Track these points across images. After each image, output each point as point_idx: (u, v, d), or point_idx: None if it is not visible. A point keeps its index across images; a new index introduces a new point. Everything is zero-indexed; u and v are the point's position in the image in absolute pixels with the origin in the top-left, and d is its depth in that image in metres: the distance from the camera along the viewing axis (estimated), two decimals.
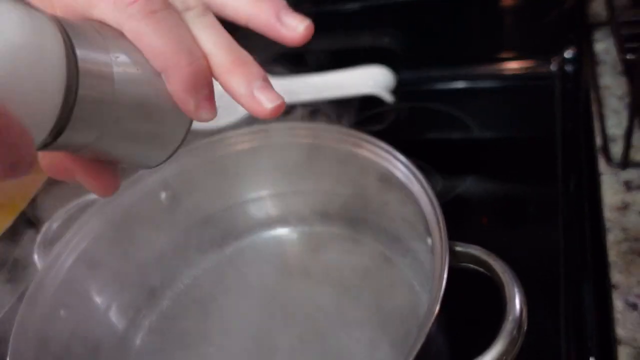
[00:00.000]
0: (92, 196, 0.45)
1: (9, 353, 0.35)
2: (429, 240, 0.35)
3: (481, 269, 0.32)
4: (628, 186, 0.43)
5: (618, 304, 0.36)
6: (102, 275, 0.43)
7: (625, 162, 0.44)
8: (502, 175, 0.56)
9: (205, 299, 0.46)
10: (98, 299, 0.43)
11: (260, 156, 0.46)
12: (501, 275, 0.30)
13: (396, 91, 0.69)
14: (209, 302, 0.46)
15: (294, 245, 0.49)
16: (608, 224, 0.41)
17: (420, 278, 0.42)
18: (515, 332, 0.28)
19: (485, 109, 0.64)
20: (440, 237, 0.32)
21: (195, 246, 0.48)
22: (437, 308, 0.29)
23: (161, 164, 0.25)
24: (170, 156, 0.25)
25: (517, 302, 0.28)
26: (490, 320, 0.34)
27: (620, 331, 0.34)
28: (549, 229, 0.47)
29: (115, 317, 0.44)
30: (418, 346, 0.28)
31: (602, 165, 0.46)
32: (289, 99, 0.68)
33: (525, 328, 0.28)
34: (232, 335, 0.43)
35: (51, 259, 0.41)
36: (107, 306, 0.43)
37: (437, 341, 0.32)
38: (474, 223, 0.52)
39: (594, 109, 0.53)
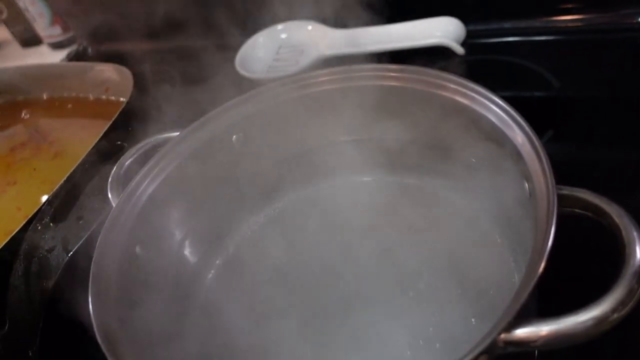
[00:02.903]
0: (165, 135, 0.45)
1: (90, 292, 0.34)
2: (526, 186, 0.33)
3: (590, 214, 0.29)
4: None
5: None
6: (175, 212, 0.42)
7: None
8: (582, 137, 0.52)
9: (276, 241, 0.45)
10: (171, 236, 0.42)
11: (338, 99, 0.44)
12: (617, 219, 0.27)
13: (465, 43, 0.66)
14: (279, 245, 0.45)
15: (369, 194, 0.47)
16: None
17: (504, 230, 0.40)
18: (635, 281, 0.25)
19: (566, 64, 0.60)
20: (546, 179, 0.30)
21: (268, 189, 0.47)
22: (546, 255, 0.27)
23: None
24: None
25: (638, 248, 0.26)
26: (594, 272, 0.31)
27: None
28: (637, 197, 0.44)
29: (188, 253, 0.43)
30: (521, 301, 0.26)
31: None
32: (359, 49, 0.67)
33: None
34: (302, 278, 0.42)
35: (125, 195, 0.40)
36: (180, 243, 0.43)
37: (535, 296, 0.30)
38: None
39: None
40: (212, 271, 0.45)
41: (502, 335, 0.25)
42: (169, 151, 0.43)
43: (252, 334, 0.39)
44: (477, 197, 0.42)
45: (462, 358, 0.24)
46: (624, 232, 0.27)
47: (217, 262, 0.45)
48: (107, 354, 0.30)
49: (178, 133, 0.44)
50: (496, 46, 0.66)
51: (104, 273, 0.36)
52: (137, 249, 0.39)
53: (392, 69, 0.42)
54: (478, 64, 0.65)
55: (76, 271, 0.43)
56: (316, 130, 0.46)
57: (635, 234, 0.26)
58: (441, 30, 0.65)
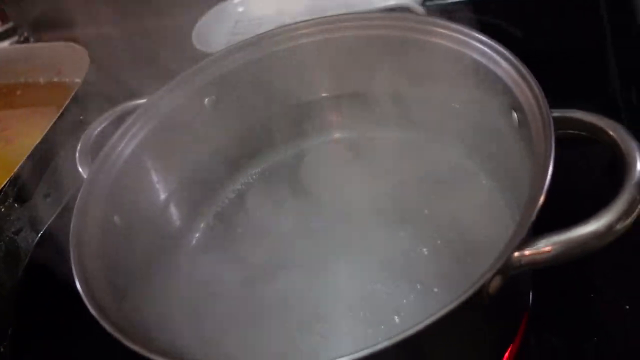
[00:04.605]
0: (133, 102, 0.43)
1: (73, 266, 0.31)
2: (515, 116, 0.33)
3: (584, 133, 0.29)
4: None
5: None
6: (153, 178, 0.41)
7: None
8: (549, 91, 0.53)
9: (258, 203, 0.44)
10: (149, 204, 0.40)
11: (314, 53, 0.43)
12: (613, 132, 0.27)
13: (424, 4, 0.66)
14: (262, 207, 0.44)
15: (354, 151, 0.47)
16: None
17: (496, 173, 0.40)
18: (637, 190, 0.25)
19: (528, 18, 0.61)
20: (538, 102, 0.30)
21: (248, 151, 0.46)
22: (550, 170, 0.27)
23: None
24: None
25: (638, 158, 0.26)
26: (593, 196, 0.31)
27: None
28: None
29: (168, 220, 0.42)
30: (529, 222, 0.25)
31: None
32: (317, 14, 0.65)
33: None
34: (286, 239, 0.41)
35: (98, 164, 0.38)
36: (159, 210, 0.41)
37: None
38: None
39: None
40: (196, 234, 0.43)
41: (516, 253, 0.25)
42: (140, 117, 0.41)
43: (240, 298, 0.38)
44: (465, 142, 0.42)
45: (481, 277, 0.24)
46: (622, 145, 0.27)
47: (201, 226, 0.44)
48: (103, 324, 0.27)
49: (145, 100, 0.42)
50: (455, 5, 0.67)
51: (84, 246, 0.33)
52: (116, 219, 0.37)
53: (368, 17, 0.41)
54: None
55: (49, 251, 0.40)
56: (293, 88, 0.45)
57: (633, 144, 0.27)
58: None
